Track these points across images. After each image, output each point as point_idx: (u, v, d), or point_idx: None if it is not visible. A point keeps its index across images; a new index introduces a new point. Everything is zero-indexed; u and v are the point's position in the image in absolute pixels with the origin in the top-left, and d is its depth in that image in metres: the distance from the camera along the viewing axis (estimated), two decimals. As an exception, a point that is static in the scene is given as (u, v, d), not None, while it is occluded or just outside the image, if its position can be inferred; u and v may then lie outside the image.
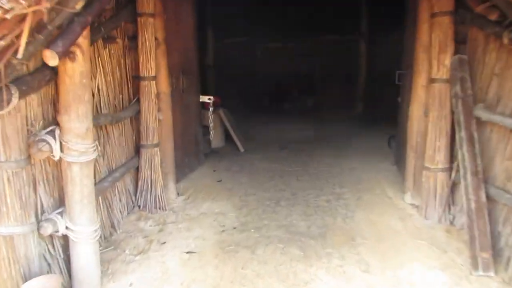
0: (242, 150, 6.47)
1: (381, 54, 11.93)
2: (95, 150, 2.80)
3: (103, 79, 3.48)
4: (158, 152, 4.15)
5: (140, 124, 4.08)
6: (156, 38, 4.06)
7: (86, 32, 2.59)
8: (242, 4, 11.45)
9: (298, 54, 12.45)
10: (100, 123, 3.38)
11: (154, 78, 4.04)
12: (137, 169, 4.16)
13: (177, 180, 4.72)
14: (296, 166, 5.65)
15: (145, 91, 3.99)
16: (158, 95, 4.16)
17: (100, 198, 3.38)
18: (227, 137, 6.89)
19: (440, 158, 3.86)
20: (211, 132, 5.56)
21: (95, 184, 3.05)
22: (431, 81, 3.89)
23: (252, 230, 3.74)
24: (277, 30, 11.99)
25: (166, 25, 4.27)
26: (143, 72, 3.97)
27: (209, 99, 5.41)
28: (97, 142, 2.94)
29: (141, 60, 3.96)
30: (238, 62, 12.46)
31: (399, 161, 5.15)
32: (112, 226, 3.67)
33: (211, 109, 5.49)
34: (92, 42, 3.00)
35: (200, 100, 5.45)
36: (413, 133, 4.23)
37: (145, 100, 4.01)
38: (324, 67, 12.35)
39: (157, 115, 4.12)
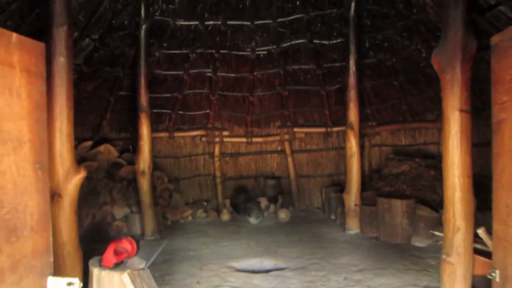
0: None
1: (376, 149, 9.51)
2: None
3: None
4: None
5: None
6: None
7: None
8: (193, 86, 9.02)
9: (267, 151, 9.77)
10: None
11: None
12: None
13: None
14: None
15: None
16: None
17: None
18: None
19: None
20: None
21: None
22: None
23: None
24: (241, 120, 9.43)
25: None
26: None
27: (69, 284, 2.34)
28: None
29: None
30: (190, 162, 9.68)
31: None
32: None
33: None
34: None
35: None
36: None
37: None
38: (301, 168, 9.67)
39: None
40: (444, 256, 3.93)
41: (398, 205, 6.39)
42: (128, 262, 3.84)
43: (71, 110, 3.77)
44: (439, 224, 6.14)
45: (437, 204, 6.63)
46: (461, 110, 3.79)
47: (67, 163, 3.73)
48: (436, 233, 5.49)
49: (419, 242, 6.23)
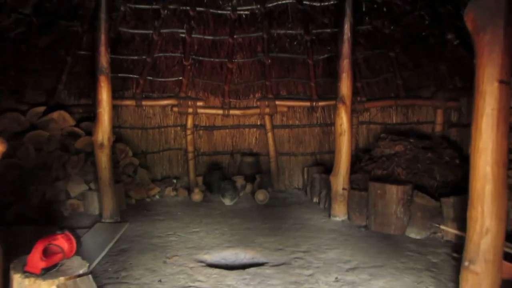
0: None
1: (364, 127, 8.74)
2: None
3: None
4: None
5: None
6: None
7: None
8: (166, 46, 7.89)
9: (245, 125, 8.88)
10: None
11: None
12: None
13: None
14: None
15: None
16: None
17: None
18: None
19: None
20: None
21: None
22: None
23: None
24: (217, 89, 8.47)
25: None
26: None
27: None
28: None
29: None
30: (159, 134, 8.71)
31: None
32: None
33: None
34: None
35: None
36: None
37: None
38: (282, 145, 8.84)
39: None
40: (466, 263, 3.17)
41: (394, 191, 5.63)
42: (63, 265, 2.93)
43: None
44: (438, 214, 5.44)
45: (434, 191, 5.93)
46: (501, 81, 2.97)
47: (-22, 132, 2.74)
48: (443, 227, 4.77)
49: (415, 233, 5.51)
